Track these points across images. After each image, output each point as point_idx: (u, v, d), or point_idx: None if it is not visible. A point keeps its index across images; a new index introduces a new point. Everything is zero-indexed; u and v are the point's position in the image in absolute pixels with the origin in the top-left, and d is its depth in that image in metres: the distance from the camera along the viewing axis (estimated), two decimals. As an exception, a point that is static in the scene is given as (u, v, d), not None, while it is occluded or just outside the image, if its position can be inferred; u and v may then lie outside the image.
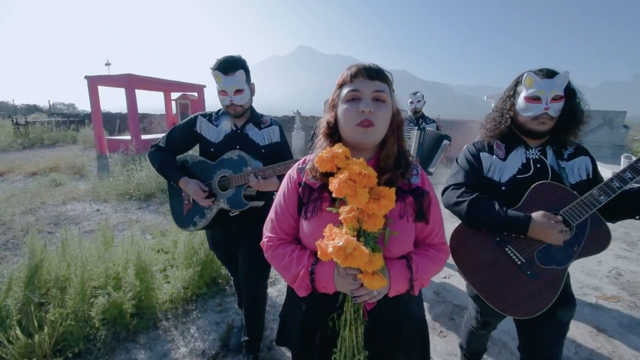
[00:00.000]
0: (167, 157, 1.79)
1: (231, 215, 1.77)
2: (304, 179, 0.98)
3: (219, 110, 1.82)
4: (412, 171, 0.98)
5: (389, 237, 0.88)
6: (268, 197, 1.83)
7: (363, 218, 0.82)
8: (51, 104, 20.34)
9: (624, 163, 6.46)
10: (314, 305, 0.97)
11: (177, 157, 1.85)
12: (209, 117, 1.80)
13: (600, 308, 2.67)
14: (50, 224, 4.20)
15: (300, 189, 0.97)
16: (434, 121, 3.67)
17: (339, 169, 0.88)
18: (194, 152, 1.87)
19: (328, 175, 0.90)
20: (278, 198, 1.03)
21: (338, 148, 0.89)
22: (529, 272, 1.22)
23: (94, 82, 10.12)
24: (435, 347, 2.20)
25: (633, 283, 3.11)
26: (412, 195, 0.95)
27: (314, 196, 0.94)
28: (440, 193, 1.34)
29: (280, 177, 1.61)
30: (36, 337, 1.85)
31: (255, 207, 1.76)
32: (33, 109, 19.85)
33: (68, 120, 15.55)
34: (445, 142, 3.23)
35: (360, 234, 0.83)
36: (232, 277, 2.17)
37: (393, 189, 0.86)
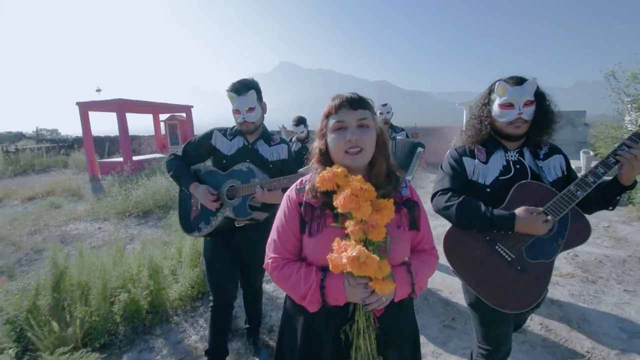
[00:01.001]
0: (182, 164, 1.91)
1: (237, 225, 1.86)
2: (304, 199, 1.02)
3: (234, 127, 1.94)
4: (401, 184, 1.07)
5: (390, 246, 0.95)
6: (272, 210, 1.91)
7: (368, 229, 0.89)
8: (38, 130, 20.36)
9: (582, 158, 7.01)
10: (321, 320, 0.99)
11: (191, 167, 1.97)
12: (224, 132, 1.93)
13: (555, 284, 3.08)
14: (57, 242, 4.44)
15: (302, 208, 1.01)
16: (402, 129, 3.91)
17: (338, 187, 0.94)
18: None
19: (328, 194, 0.96)
20: (279, 219, 1.05)
21: (337, 168, 0.96)
22: (519, 267, 1.28)
23: (85, 108, 10.39)
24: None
25: (587, 262, 3.55)
26: (406, 207, 1.03)
27: (317, 214, 0.98)
28: (430, 199, 1.44)
29: (284, 191, 1.77)
30: (69, 329, 2.15)
31: (259, 221, 1.89)
32: (20, 136, 19.86)
33: (57, 145, 15.65)
34: (420, 149, 3.30)
35: (366, 244, 0.89)
36: (212, 298, 1.94)
37: (391, 200, 0.94)
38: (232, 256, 1.95)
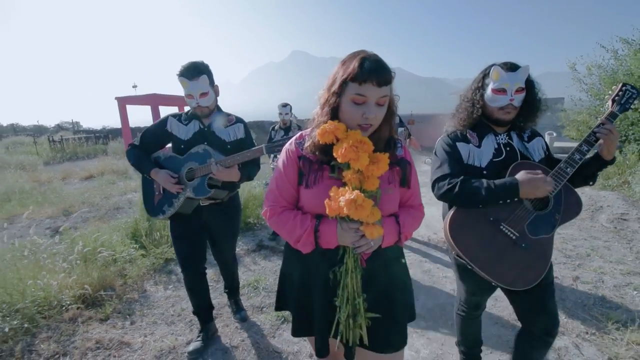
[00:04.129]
0: (141, 153, 1.95)
1: (201, 204, 1.93)
2: (302, 152, 1.06)
3: (189, 111, 1.97)
4: (397, 145, 1.11)
5: (380, 197, 1.01)
6: (232, 188, 2.01)
7: (363, 179, 0.97)
8: (74, 122, 22.41)
9: (547, 138, 8.00)
10: (314, 262, 1.07)
11: (152, 155, 1.99)
12: (178, 117, 1.95)
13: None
14: (126, 205, 5.92)
15: (301, 161, 1.06)
16: None
17: (337, 140, 0.98)
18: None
19: (325, 151, 1.00)
20: (277, 171, 1.11)
21: (337, 122, 0.99)
22: (523, 245, 1.31)
23: (123, 102, 11.93)
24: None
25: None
26: (399, 165, 1.09)
27: (315, 167, 1.04)
28: (431, 187, 1.44)
29: (241, 167, 1.82)
30: (162, 239, 3.55)
31: (222, 199, 1.97)
32: (58, 128, 21.95)
33: (94, 136, 17.49)
34: (400, 129, 3.62)
35: (361, 192, 0.94)
36: (184, 274, 2.06)
37: (386, 154, 0.99)
38: (199, 234, 2.03)
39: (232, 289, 2.45)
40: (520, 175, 1.27)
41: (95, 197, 6.37)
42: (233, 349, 2.09)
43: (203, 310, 2.14)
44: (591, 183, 1.39)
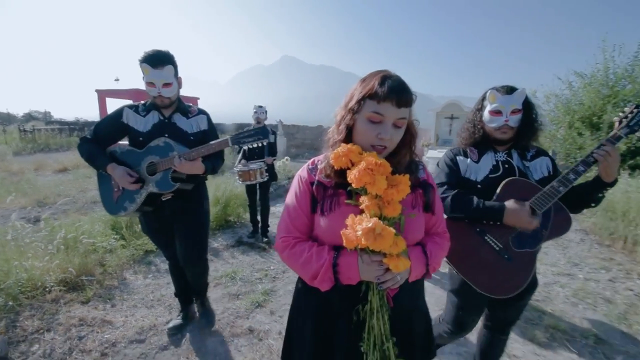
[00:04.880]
0: (95, 147, 1.82)
1: (163, 199, 1.87)
2: (316, 178, 1.00)
3: (147, 102, 1.88)
4: (419, 167, 1.05)
5: (404, 225, 0.92)
6: (198, 181, 1.97)
7: (383, 205, 0.87)
8: (46, 112, 21.59)
9: None
10: (334, 301, 0.98)
11: (107, 149, 1.89)
12: (135, 108, 1.86)
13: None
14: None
15: (314, 187, 0.99)
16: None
17: (352, 165, 0.90)
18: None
19: (341, 174, 0.93)
20: (290, 198, 1.04)
21: (352, 145, 0.92)
22: (506, 256, 1.37)
23: (103, 95, 11.75)
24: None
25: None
26: (421, 188, 1.02)
27: (330, 193, 0.97)
28: None
29: (205, 160, 1.79)
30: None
31: (185, 190, 1.89)
32: (28, 117, 21.07)
33: (68, 127, 16.97)
34: None
35: (381, 220, 0.86)
36: (168, 261, 2.21)
37: (407, 176, 0.90)
38: (167, 227, 2.01)
39: (199, 293, 2.29)
40: (510, 204, 1.34)
41: (71, 190, 6.35)
42: (210, 326, 2.31)
43: (184, 292, 2.27)
44: (593, 205, 1.40)
